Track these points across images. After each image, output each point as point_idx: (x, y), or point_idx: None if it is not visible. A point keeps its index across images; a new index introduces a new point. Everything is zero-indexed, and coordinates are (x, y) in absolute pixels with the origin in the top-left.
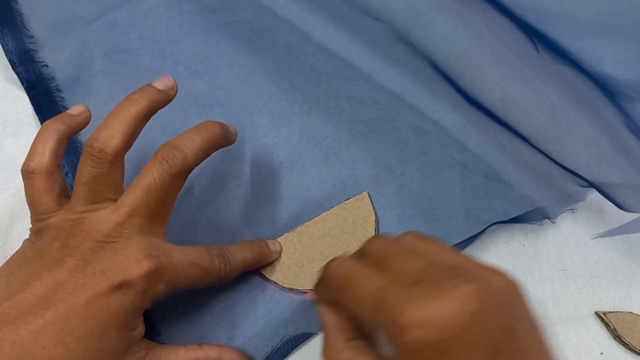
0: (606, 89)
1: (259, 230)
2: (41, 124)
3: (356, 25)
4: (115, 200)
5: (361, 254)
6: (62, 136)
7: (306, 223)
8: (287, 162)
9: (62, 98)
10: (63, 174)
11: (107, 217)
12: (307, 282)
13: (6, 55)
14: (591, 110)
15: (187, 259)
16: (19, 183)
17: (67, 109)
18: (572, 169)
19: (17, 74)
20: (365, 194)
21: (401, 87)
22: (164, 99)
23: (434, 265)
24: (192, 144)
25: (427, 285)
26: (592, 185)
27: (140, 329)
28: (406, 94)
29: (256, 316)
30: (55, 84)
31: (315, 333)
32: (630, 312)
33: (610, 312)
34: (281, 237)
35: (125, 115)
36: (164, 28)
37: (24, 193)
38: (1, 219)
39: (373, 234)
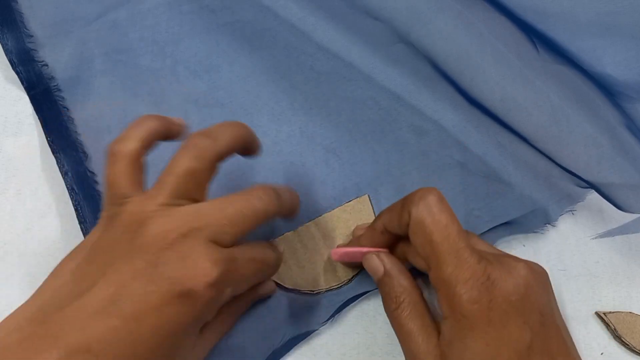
0: (606, 89)
1: (259, 230)
2: (41, 123)
3: (356, 26)
4: (199, 201)
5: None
6: (156, 132)
7: (307, 224)
8: (287, 162)
9: (62, 98)
10: (146, 167)
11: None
12: (308, 282)
13: (6, 55)
14: (591, 110)
15: (247, 256)
16: (19, 183)
17: (67, 109)
18: (572, 170)
19: (17, 73)
20: (365, 197)
21: (401, 88)
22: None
23: (486, 251)
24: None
25: (494, 259)
26: (591, 186)
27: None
28: (406, 94)
29: (256, 316)
30: (55, 84)
31: (314, 331)
32: (630, 312)
33: (610, 312)
34: (281, 236)
35: (233, 126)
36: (164, 28)
37: (23, 193)
38: (1, 219)
39: None
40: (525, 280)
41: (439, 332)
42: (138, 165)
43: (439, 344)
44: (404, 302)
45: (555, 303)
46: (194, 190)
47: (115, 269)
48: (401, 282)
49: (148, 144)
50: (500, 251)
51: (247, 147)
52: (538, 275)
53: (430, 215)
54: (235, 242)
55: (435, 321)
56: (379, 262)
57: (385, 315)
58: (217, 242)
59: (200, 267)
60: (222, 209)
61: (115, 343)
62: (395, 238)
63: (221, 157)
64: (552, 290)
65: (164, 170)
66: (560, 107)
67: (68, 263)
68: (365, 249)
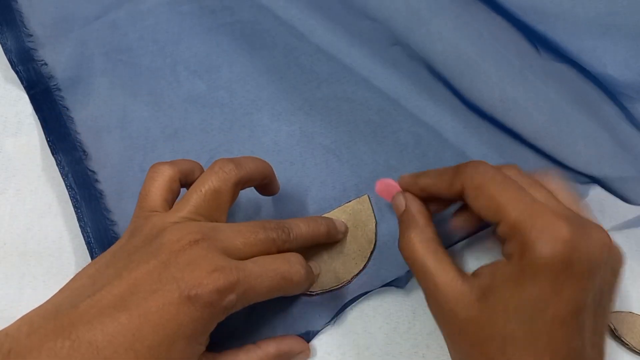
0: (606, 88)
1: None
2: (41, 123)
3: (355, 27)
4: (218, 222)
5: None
6: (197, 169)
7: None
8: (287, 162)
9: (62, 97)
10: (178, 192)
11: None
12: None
13: (5, 54)
14: (591, 108)
15: (260, 269)
16: (19, 183)
17: (67, 108)
18: (573, 168)
19: (17, 72)
20: (365, 197)
21: (401, 89)
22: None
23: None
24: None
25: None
26: (593, 180)
27: (206, 344)
28: (406, 95)
29: (256, 317)
30: (54, 83)
31: (316, 332)
32: (630, 312)
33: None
34: None
35: (256, 160)
36: (164, 28)
37: (23, 193)
38: (1, 219)
39: (373, 238)
40: (602, 249)
41: (461, 275)
42: (172, 187)
43: (474, 282)
44: (415, 237)
45: (616, 289)
46: (215, 209)
47: (130, 269)
48: (417, 219)
49: (186, 175)
50: (577, 209)
51: (267, 183)
52: (614, 253)
53: (489, 179)
54: (247, 258)
55: (458, 268)
56: (402, 199)
57: (386, 314)
58: (228, 254)
59: (205, 272)
60: (239, 230)
61: (118, 338)
62: (430, 198)
63: (243, 183)
64: (621, 273)
65: (190, 188)
66: (560, 106)
67: (89, 268)
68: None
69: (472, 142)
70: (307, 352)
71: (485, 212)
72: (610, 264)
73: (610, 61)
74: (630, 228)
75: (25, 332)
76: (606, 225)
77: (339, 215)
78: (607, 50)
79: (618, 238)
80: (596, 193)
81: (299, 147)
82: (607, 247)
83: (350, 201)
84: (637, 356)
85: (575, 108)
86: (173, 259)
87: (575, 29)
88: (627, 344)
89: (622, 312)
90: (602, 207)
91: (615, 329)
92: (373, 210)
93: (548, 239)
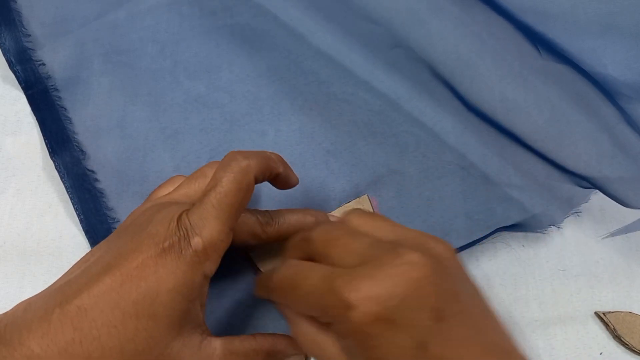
0: (606, 88)
1: None
2: (39, 123)
3: (355, 29)
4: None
5: (307, 241)
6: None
7: None
8: (287, 162)
9: (60, 97)
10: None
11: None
12: None
13: (3, 54)
14: (591, 109)
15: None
16: (18, 182)
17: (65, 109)
18: (572, 169)
19: (14, 72)
20: (365, 197)
21: (401, 91)
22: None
23: (377, 242)
24: (252, 156)
25: (371, 262)
26: (592, 184)
27: (198, 310)
28: (406, 97)
29: (257, 316)
30: (52, 84)
31: None
32: (630, 312)
33: (610, 312)
34: None
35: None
36: (164, 28)
37: (23, 192)
38: (1, 218)
39: None
40: (406, 283)
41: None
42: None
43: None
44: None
45: (467, 280)
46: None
47: (120, 237)
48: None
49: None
50: (406, 231)
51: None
52: (432, 263)
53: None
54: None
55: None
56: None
57: None
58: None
59: (177, 224)
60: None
61: (104, 298)
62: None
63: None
64: (460, 269)
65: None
66: (559, 107)
67: (86, 255)
68: None
69: (472, 144)
70: (302, 356)
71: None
72: (423, 286)
73: (610, 61)
74: (631, 232)
75: (22, 309)
76: (607, 229)
77: (338, 215)
78: (607, 50)
79: (618, 239)
80: (597, 198)
81: (299, 147)
82: (408, 283)
83: (349, 201)
84: (637, 356)
85: (575, 109)
86: (151, 219)
87: (575, 29)
88: (627, 344)
89: (622, 312)
90: (602, 211)
91: (614, 328)
92: (373, 209)
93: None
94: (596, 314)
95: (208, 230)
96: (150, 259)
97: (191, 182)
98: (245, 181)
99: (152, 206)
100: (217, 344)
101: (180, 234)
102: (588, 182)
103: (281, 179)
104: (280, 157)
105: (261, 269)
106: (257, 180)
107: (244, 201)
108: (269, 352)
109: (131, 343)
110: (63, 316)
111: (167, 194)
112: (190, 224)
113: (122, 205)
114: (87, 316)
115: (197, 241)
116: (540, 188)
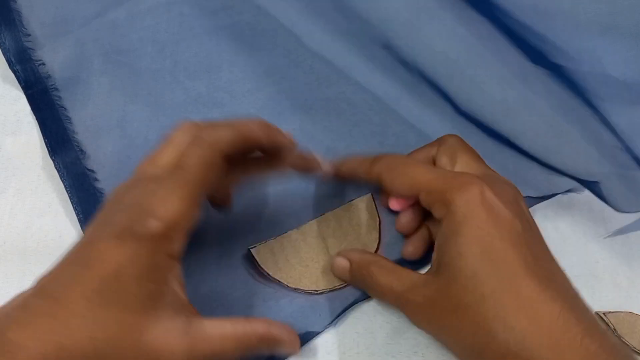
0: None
1: (261, 228)
2: (39, 123)
3: (353, 30)
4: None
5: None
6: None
7: (310, 222)
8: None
9: (59, 97)
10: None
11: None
12: (311, 282)
13: (3, 54)
14: (579, 115)
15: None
16: (18, 182)
17: (65, 108)
18: (563, 170)
19: (14, 72)
20: (369, 195)
21: (401, 91)
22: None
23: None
24: (222, 129)
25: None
26: (585, 185)
27: (175, 292)
28: (406, 97)
29: (257, 316)
30: (52, 83)
31: (317, 333)
32: (630, 312)
33: (610, 312)
34: (285, 234)
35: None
36: (164, 28)
37: (23, 192)
38: (1, 218)
39: (377, 236)
40: (515, 193)
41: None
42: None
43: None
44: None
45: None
46: None
47: (89, 227)
48: (366, 260)
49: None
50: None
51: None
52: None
53: (400, 163)
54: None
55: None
56: (343, 260)
57: (386, 314)
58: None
59: (131, 212)
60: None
61: (72, 286)
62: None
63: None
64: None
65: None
66: (546, 111)
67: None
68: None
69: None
70: (296, 346)
71: (403, 189)
72: (523, 207)
73: (610, 61)
74: (631, 232)
75: (14, 302)
76: (607, 229)
77: (342, 213)
78: (607, 50)
79: (618, 240)
80: (597, 200)
81: (300, 145)
82: (513, 187)
83: (353, 199)
84: (637, 356)
85: (562, 114)
86: (115, 204)
87: (575, 29)
88: (627, 344)
89: (622, 312)
90: (602, 211)
91: (615, 329)
92: (377, 208)
93: (462, 188)
94: (596, 314)
95: (166, 210)
96: (108, 246)
97: (163, 153)
98: (211, 157)
99: (126, 186)
100: (205, 326)
101: (136, 218)
102: (580, 183)
103: (272, 151)
104: (267, 124)
105: (262, 266)
106: (231, 154)
107: (209, 178)
108: (263, 337)
109: (101, 332)
110: (40, 305)
111: (147, 163)
112: (147, 206)
113: None
114: (59, 304)
115: (153, 223)
116: (529, 191)
